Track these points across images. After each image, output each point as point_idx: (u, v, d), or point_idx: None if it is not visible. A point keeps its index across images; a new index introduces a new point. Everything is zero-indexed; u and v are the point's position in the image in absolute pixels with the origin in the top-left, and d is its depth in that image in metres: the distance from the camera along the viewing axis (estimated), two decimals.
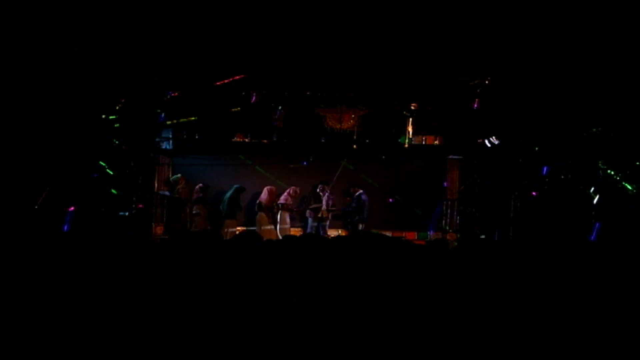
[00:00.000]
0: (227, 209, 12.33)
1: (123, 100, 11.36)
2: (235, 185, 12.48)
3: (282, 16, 9.34)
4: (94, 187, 11.22)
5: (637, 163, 10.56)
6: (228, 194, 12.40)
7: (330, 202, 12.72)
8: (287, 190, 12.63)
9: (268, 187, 12.62)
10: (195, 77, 11.42)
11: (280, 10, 9.23)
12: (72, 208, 10.48)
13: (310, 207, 12.78)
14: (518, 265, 4.20)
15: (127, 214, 11.67)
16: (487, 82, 11.11)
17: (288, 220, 12.56)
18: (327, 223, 12.79)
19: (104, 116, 11.33)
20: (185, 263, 3.72)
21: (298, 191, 12.71)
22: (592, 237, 10.24)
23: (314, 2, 9.13)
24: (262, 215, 12.37)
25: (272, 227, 12.40)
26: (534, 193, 11.64)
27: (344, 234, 12.41)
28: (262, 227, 12.19)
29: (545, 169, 11.41)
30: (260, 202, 12.43)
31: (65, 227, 10.15)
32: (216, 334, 3.01)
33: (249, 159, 13.08)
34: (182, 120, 12.15)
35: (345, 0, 9.11)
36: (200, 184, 12.48)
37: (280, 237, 11.14)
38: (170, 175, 13.04)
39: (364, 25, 9.49)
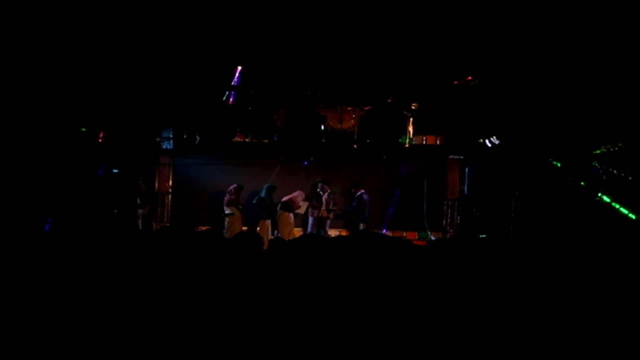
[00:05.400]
0: (261, 209, 12.20)
1: (123, 100, 11.36)
2: (266, 185, 12.26)
3: (283, 16, 9.34)
4: (94, 187, 11.24)
5: (637, 163, 10.56)
6: (261, 194, 12.16)
7: (331, 202, 12.68)
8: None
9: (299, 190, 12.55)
10: (195, 77, 11.42)
11: (281, 10, 9.23)
12: (72, 208, 10.50)
13: (332, 208, 12.75)
14: (518, 265, 4.20)
15: (126, 214, 11.69)
16: (486, 82, 11.11)
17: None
18: (328, 223, 12.78)
19: (103, 116, 11.34)
20: (185, 263, 3.72)
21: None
22: (591, 238, 10.24)
23: (314, 2, 9.13)
24: (288, 216, 12.32)
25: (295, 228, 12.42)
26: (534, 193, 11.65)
27: (344, 234, 12.41)
28: (288, 228, 12.16)
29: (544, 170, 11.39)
30: (288, 202, 12.33)
31: (65, 226, 10.16)
32: (216, 334, 3.01)
33: (248, 158, 12.95)
34: (182, 120, 12.17)
35: (346, 0, 9.12)
36: (235, 185, 12.19)
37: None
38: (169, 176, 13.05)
39: (364, 25, 9.50)
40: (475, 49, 10.00)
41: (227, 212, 12.08)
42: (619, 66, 9.63)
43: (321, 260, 3.76)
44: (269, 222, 12.10)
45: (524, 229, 11.63)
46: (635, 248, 8.22)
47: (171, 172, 13.12)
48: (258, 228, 11.95)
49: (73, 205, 10.67)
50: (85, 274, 3.54)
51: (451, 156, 13.26)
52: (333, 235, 11.93)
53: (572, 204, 11.10)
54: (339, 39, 9.92)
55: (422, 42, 9.99)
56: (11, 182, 9.99)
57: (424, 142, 12.98)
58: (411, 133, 12.71)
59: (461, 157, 13.19)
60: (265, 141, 12.73)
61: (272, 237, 11.84)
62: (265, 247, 5.15)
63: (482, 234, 12.08)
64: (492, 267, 4.12)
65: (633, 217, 10.06)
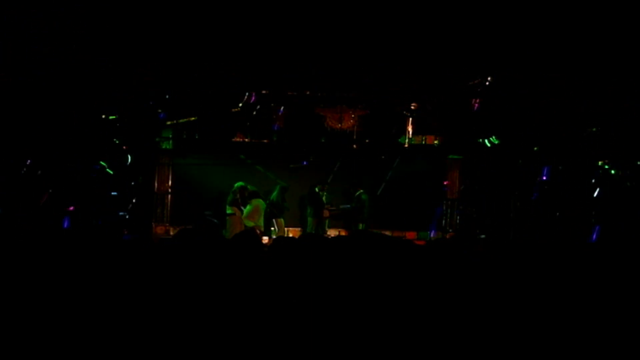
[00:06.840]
0: (273, 209, 12.17)
1: (123, 100, 11.36)
2: (278, 185, 12.30)
3: (282, 15, 9.34)
4: (94, 187, 11.24)
5: (637, 162, 10.56)
6: (273, 194, 12.21)
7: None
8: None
9: None
10: (195, 77, 11.42)
11: (280, 10, 9.23)
12: (72, 208, 10.51)
13: (331, 208, 12.74)
14: (518, 265, 4.20)
15: (127, 214, 11.69)
16: (487, 82, 11.10)
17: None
18: (327, 223, 12.79)
19: (104, 116, 11.34)
20: (185, 263, 3.72)
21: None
22: (593, 238, 10.24)
23: (313, 2, 9.13)
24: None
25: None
26: (534, 193, 11.65)
27: (344, 234, 12.41)
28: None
29: (545, 171, 11.41)
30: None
31: (65, 225, 10.17)
32: (216, 334, 3.01)
33: (249, 159, 13.00)
34: (182, 120, 12.15)
35: (346, 0, 9.12)
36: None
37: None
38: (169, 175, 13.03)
39: (364, 25, 9.50)
40: (475, 49, 10.00)
41: (228, 212, 12.06)
42: (618, 66, 9.64)
43: (321, 260, 3.76)
44: (280, 221, 12.16)
45: (524, 229, 11.63)
46: (635, 248, 8.22)
47: (171, 172, 13.12)
48: (272, 228, 12.05)
49: (73, 205, 10.67)
50: (83, 274, 3.54)
51: (451, 156, 13.27)
52: (333, 235, 11.95)
53: (571, 204, 11.10)
54: (339, 38, 9.92)
55: (422, 42, 9.99)
56: (11, 181, 10.00)
57: (424, 142, 12.98)
58: (410, 133, 12.71)
59: (461, 157, 13.19)
60: (265, 141, 12.73)
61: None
62: None
63: (482, 234, 12.08)
64: (492, 267, 4.12)
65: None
